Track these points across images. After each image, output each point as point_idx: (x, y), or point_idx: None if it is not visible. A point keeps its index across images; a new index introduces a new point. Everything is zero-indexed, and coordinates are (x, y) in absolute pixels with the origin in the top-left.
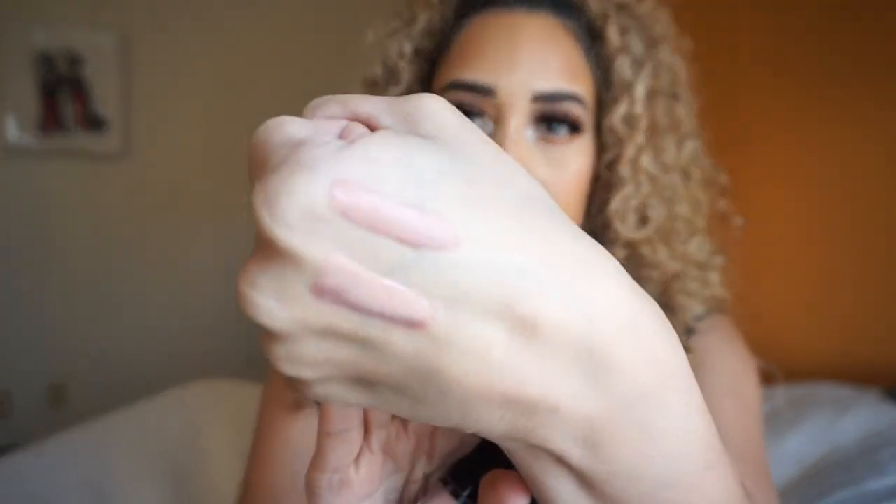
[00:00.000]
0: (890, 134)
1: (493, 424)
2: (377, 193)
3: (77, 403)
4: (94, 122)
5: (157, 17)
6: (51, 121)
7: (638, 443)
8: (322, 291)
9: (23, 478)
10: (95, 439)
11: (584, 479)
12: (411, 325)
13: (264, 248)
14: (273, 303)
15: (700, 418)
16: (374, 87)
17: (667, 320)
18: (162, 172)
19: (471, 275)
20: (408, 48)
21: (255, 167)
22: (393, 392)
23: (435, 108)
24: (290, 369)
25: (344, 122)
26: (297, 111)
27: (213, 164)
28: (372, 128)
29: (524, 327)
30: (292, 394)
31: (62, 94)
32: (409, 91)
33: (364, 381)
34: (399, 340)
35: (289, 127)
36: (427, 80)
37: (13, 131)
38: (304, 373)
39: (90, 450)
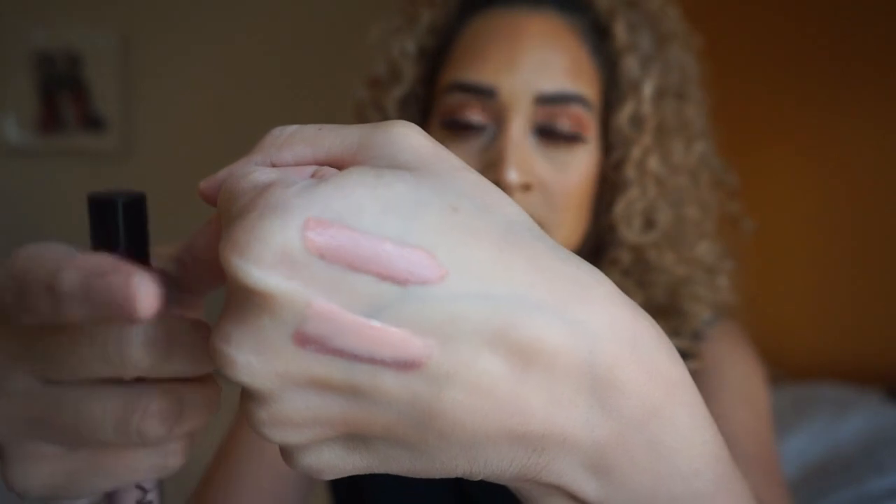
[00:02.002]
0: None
1: (503, 467)
2: (354, 230)
3: None
4: (93, 122)
5: (157, 17)
6: (50, 121)
7: (650, 464)
8: (305, 340)
9: None
10: None
11: None
12: (405, 366)
13: (238, 300)
14: (252, 358)
15: (708, 430)
16: (377, 87)
17: (664, 334)
18: (162, 172)
19: (462, 307)
20: (411, 47)
21: (223, 217)
22: (390, 446)
23: (408, 138)
24: (275, 434)
25: (313, 168)
26: (298, 111)
27: (214, 165)
28: (343, 168)
29: (525, 355)
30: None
31: (62, 93)
32: (413, 90)
33: (357, 439)
34: (393, 385)
35: (255, 174)
36: (430, 79)
37: (13, 131)
38: (292, 437)
39: None
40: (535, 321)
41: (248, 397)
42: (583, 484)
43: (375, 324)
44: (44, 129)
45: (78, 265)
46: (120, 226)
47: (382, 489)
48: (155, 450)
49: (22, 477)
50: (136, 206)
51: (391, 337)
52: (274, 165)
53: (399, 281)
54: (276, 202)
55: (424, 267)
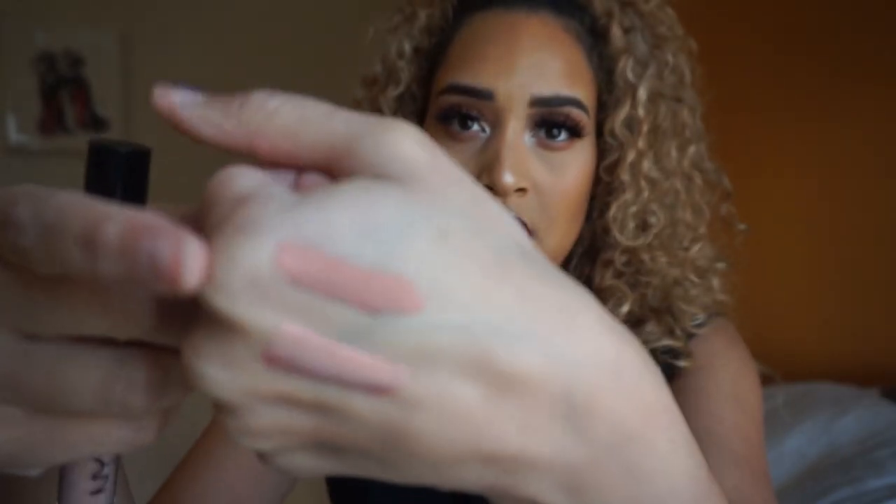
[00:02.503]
0: (891, 137)
1: (472, 483)
2: (329, 256)
3: None
4: (94, 123)
5: (158, 17)
6: (51, 121)
7: (624, 486)
8: (272, 360)
9: None
10: None
11: None
12: (375, 391)
13: (209, 315)
14: (220, 373)
15: (685, 452)
16: (374, 86)
17: (649, 359)
18: (162, 173)
19: (438, 337)
20: (407, 47)
21: (202, 224)
22: (360, 457)
23: (401, 146)
24: (246, 442)
25: (296, 170)
26: None
27: (215, 165)
28: (331, 172)
29: (500, 383)
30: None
31: (63, 94)
32: (409, 90)
33: (328, 448)
34: (363, 408)
35: (239, 179)
36: (426, 79)
37: (14, 131)
38: (262, 444)
39: None
40: (513, 350)
41: (219, 408)
42: (555, 500)
43: (345, 350)
44: (45, 130)
45: (122, 220)
46: (119, 178)
47: (379, 483)
48: (127, 423)
49: None
50: (138, 159)
51: (361, 363)
52: (251, 148)
53: (372, 310)
54: (250, 221)
55: (400, 297)
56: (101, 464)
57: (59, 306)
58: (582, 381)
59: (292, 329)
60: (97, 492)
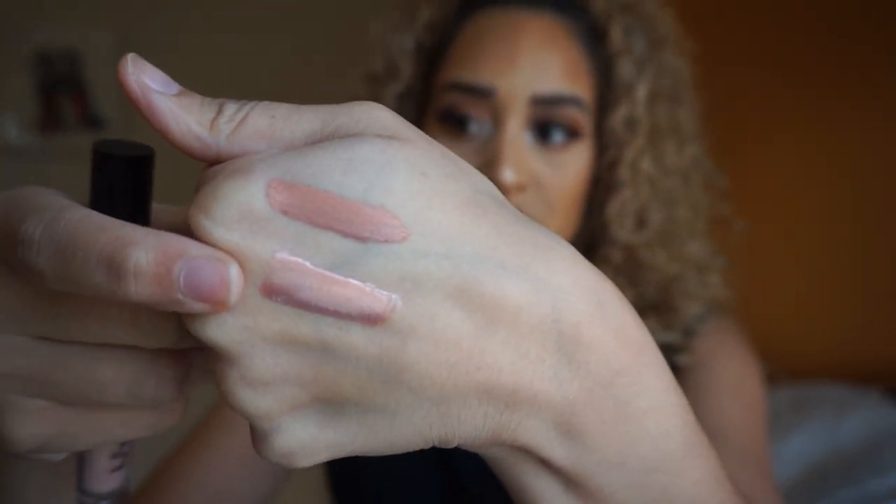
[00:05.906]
0: (891, 135)
1: (477, 425)
2: (316, 189)
3: None
4: (93, 122)
5: (157, 17)
6: (50, 120)
7: (619, 425)
8: (272, 291)
9: None
10: None
11: (570, 479)
12: (370, 319)
13: None
14: (223, 313)
15: (675, 394)
16: (375, 83)
17: (627, 300)
18: (161, 172)
19: (424, 264)
20: (409, 44)
21: (196, 190)
22: (364, 411)
23: (373, 112)
24: (247, 397)
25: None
26: None
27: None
28: None
29: (488, 311)
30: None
31: (61, 93)
32: (410, 88)
33: (330, 406)
34: (360, 340)
35: None
36: (428, 76)
37: (12, 131)
38: (263, 401)
39: None
40: (496, 278)
41: (220, 359)
42: (555, 446)
43: (339, 278)
44: (43, 129)
45: (151, 245)
46: (123, 183)
47: (376, 477)
48: (155, 409)
49: (10, 429)
50: (142, 163)
51: (354, 289)
52: (217, 159)
53: (360, 238)
54: (243, 166)
55: (385, 226)
56: (121, 443)
57: (87, 319)
58: (567, 310)
59: (287, 257)
60: (117, 469)
